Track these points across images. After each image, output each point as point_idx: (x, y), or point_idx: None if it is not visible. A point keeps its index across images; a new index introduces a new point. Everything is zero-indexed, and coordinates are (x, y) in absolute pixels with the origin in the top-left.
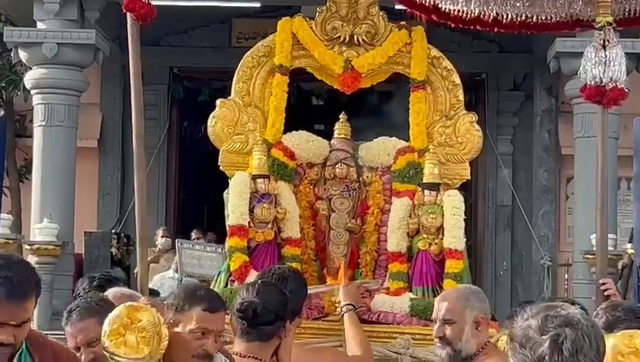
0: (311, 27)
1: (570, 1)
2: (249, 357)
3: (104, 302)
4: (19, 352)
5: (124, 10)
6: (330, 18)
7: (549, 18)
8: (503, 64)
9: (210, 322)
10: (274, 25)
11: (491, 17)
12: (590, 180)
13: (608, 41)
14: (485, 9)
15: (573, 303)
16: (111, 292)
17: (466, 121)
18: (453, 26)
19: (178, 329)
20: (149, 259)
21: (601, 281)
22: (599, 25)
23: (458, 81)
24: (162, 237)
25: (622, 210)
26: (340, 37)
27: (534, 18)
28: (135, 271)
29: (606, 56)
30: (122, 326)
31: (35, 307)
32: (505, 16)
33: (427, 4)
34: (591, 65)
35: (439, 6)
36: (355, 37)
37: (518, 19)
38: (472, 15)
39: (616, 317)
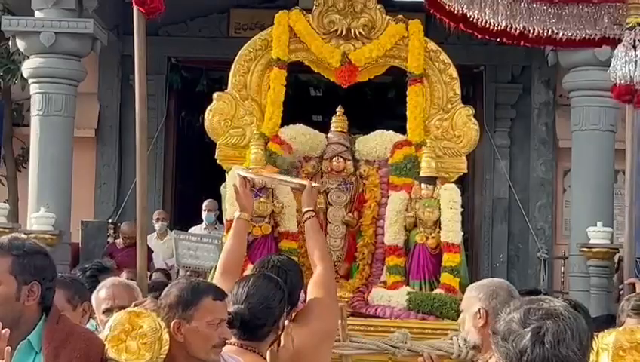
0: (308, 20)
1: (595, 18)
2: (246, 349)
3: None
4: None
5: (134, 4)
6: (328, 11)
7: (574, 35)
8: (501, 57)
9: (222, 310)
10: (272, 15)
11: (518, 31)
12: (587, 173)
13: (638, 40)
14: (512, 22)
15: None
16: (108, 282)
17: (462, 114)
18: (479, 36)
19: (194, 324)
20: None
21: (630, 281)
22: (630, 25)
23: (455, 74)
24: None
25: (619, 203)
26: (337, 30)
27: (560, 34)
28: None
29: (636, 56)
30: (123, 332)
31: None
32: (531, 31)
33: (456, 12)
34: (621, 65)
35: (468, 15)
36: (352, 30)
37: (545, 34)
38: (499, 27)
39: None
